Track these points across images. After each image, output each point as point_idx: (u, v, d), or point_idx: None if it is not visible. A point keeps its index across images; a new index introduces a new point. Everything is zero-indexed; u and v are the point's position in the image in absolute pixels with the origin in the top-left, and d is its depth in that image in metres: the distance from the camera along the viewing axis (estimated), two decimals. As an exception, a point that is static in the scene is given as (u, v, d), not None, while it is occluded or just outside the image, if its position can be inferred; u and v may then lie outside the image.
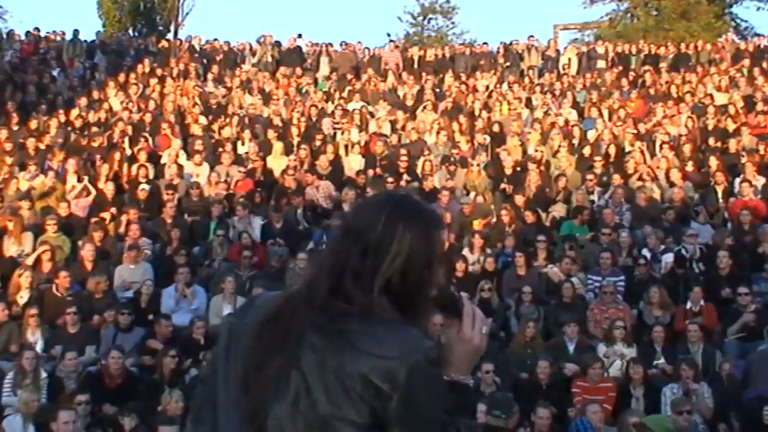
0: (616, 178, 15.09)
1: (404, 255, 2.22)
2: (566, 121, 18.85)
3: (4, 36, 23.96)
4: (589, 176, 15.33)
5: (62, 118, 18.00)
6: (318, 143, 17.39)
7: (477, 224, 13.51)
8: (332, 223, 13.60)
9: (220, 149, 16.75)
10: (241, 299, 11.43)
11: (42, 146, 16.25)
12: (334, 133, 18.36)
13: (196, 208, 14.41)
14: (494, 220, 14.17)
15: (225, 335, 2.40)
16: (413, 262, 2.23)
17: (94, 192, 14.40)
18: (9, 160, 15.09)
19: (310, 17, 69.64)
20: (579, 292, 11.95)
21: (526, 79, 23.18)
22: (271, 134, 17.58)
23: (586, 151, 16.72)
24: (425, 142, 17.72)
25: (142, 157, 15.71)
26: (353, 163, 16.74)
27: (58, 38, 25.64)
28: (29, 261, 11.98)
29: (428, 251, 2.26)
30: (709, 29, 33.11)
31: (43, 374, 9.64)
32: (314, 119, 19.22)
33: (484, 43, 26.89)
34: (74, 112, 18.44)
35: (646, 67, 23.85)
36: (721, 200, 14.61)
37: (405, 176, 15.80)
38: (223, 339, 2.40)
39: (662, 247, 12.94)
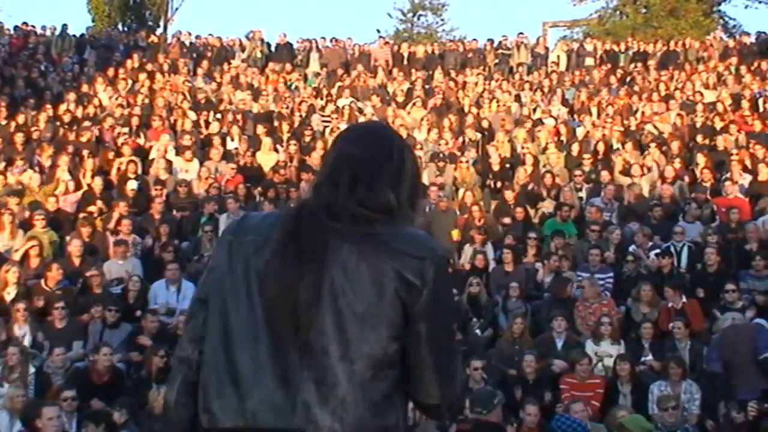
0: (605, 175, 15.10)
1: (412, 170, 2.53)
2: (555, 118, 18.85)
3: (-7, 30, 23.86)
4: (577, 173, 15.33)
5: (51, 113, 17.89)
6: (307, 139, 17.35)
7: (456, 234, 13.31)
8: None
9: (209, 145, 16.69)
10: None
11: (30, 141, 16.15)
12: (324, 129, 18.31)
13: (184, 203, 14.35)
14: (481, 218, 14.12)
15: (225, 253, 2.46)
16: (416, 177, 2.56)
17: (84, 185, 14.33)
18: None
19: (300, 13, 69.55)
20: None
21: (516, 76, 23.18)
22: (260, 130, 17.52)
23: (575, 148, 16.71)
24: (414, 138, 17.68)
25: (126, 151, 15.62)
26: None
27: (48, 33, 25.53)
28: (17, 256, 11.91)
29: (419, 168, 2.60)
30: (698, 27, 33.16)
31: (31, 369, 9.58)
32: (304, 115, 19.17)
33: (474, 40, 26.90)
34: (63, 106, 18.34)
35: (635, 65, 23.88)
36: (708, 197, 14.62)
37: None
38: (223, 256, 2.46)
39: (650, 243, 12.94)
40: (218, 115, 18.87)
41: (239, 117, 18.31)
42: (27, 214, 13.28)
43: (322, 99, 20.84)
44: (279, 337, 2.32)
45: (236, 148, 16.75)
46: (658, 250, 12.65)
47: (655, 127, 18.15)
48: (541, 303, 11.90)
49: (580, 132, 18.20)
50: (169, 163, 15.75)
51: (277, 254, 2.35)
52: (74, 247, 12.05)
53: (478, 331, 11.34)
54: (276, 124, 18.27)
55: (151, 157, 16.07)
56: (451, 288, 2.54)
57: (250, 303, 2.36)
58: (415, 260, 2.32)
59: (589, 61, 24.58)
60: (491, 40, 25.51)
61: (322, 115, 19.17)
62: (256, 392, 2.32)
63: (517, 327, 10.80)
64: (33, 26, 25.75)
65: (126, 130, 17.18)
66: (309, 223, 2.36)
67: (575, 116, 19.72)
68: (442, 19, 41.21)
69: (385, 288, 2.29)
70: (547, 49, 26.01)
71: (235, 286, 2.39)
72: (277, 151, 16.60)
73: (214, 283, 2.46)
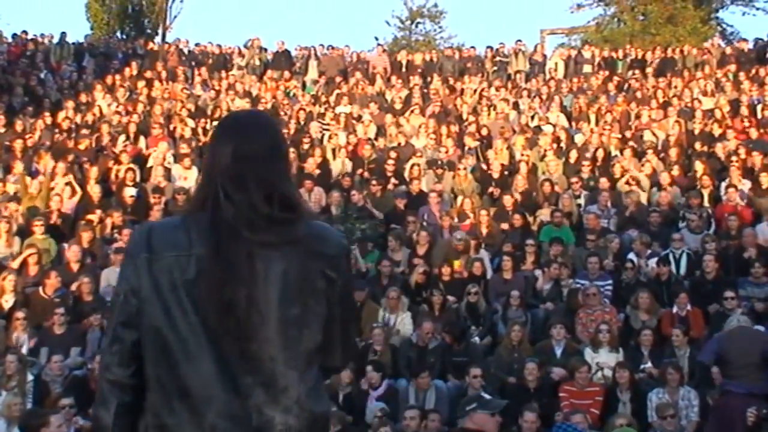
0: (603, 182, 15.10)
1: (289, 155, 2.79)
2: (553, 126, 18.86)
3: (-8, 38, 23.87)
4: (575, 180, 15.33)
5: (49, 120, 17.89)
6: (306, 146, 17.35)
7: (458, 264, 12.91)
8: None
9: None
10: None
11: (28, 148, 16.14)
12: (322, 137, 18.32)
13: (182, 212, 14.29)
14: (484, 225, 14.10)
15: (146, 273, 2.47)
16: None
17: (79, 192, 14.32)
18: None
19: (298, 21, 69.60)
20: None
21: (514, 83, 23.19)
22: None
23: (573, 155, 16.71)
24: (413, 145, 17.70)
25: (124, 158, 15.60)
26: (340, 167, 16.70)
27: (46, 41, 25.53)
28: (15, 264, 11.90)
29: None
30: (696, 34, 33.16)
31: (29, 377, 9.57)
32: (302, 122, 19.17)
33: (472, 47, 26.90)
34: (62, 114, 18.33)
35: (633, 72, 23.90)
36: (707, 204, 14.63)
37: (392, 179, 15.78)
38: (144, 277, 2.47)
39: (648, 251, 12.94)
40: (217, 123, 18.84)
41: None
42: (25, 221, 13.27)
43: (320, 106, 20.85)
44: (221, 350, 2.42)
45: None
46: (656, 258, 12.65)
47: (654, 134, 18.17)
48: (541, 311, 11.91)
49: (578, 139, 18.20)
50: (168, 170, 15.73)
51: (207, 273, 2.42)
52: (72, 253, 12.04)
53: (476, 339, 11.33)
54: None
55: (149, 165, 16.05)
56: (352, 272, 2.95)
57: (186, 320, 2.42)
58: (333, 258, 2.57)
59: (587, 68, 24.59)
60: (490, 47, 25.51)
61: (321, 123, 19.16)
62: (211, 406, 2.41)
63: (515, 335, 10.79)
64: (33, 34, 25.78)
65: (124, 137, 17.16)
66: (230, 240, 2.44)
67: (573, 123, 19.72)
68: (441, 27, 41.15)
69: (315, 288, 2.52)
70: (545, 56, 26.03)
71: (166, 306, 2.43)
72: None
73: (139, 305, 2.47)
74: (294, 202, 2.54)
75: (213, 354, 2.42)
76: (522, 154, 16.86)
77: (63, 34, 25.44)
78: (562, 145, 17.61)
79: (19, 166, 14.79)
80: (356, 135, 18.39)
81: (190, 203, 2.71)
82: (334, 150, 17.31)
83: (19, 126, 17.31)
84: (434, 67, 24.48)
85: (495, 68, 24.49)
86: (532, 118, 19.71)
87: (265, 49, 25.40)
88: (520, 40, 25.44)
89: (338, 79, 23.07)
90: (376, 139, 18.30)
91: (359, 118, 19.59)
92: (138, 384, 2.50)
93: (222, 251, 2.42)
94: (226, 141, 2.57)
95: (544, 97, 21.30)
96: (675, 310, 11.35)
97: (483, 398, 8.89)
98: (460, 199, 15.12)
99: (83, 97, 20.04)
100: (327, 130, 18.62)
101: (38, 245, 12.30)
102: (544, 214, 14.51)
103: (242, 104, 20.33)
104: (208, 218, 2.48)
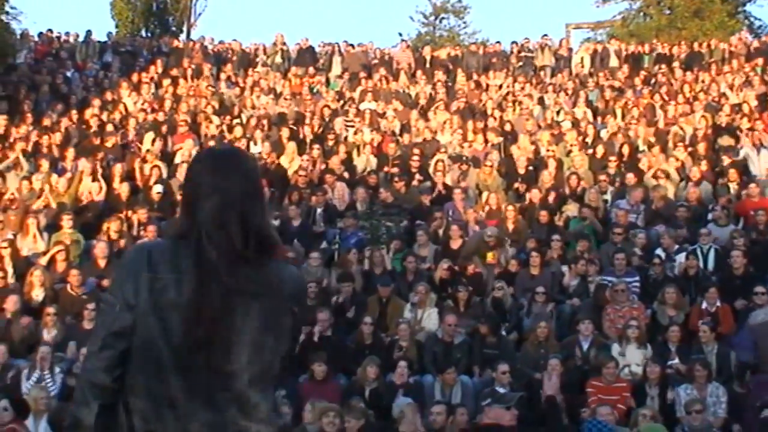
0: (630, 178, 15.06)
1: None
2: (579, 120, 18.81)
3: (18, 37, 24.01)
4: (602, 176, 15.30)
5: (75, 118, 18.04)
6: (330, 143, 17.42)
7: (491, 256, 13.00)
8: (345, 223, 13.63)
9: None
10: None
11: (55, 146, 16.29)
12: (347, 132, 18.37)
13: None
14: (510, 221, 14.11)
15: (146, 291, 2.67)
16: None
17: (105, 188, 14.46)
18: (23, 160, 15.15)
19: (322, 17, 69.72)
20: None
21: (539, 79, 23.12)
22: (284, 134, 17.59)
23: (599, 150, 16.68)
24: (438, 141, 17.71)
25: (150, 157, 15.73)
26: (365, 163, 16.74)
27: (72, 39, 25.71)
28: (43, 261, 12.04)
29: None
30: (723, 28, 32.94)
31: (57, 370, 9.69)
32: (327, 119, 19.23)
33: (497, 42, 26.82)
34: (88, 111, 18.47)
35: (659, 66, 23.77)
36: (734, 199, 14.56)
37: (417, 175, 15.81)
38: (144, 295, 2.67)
39: (676, 246, 12.90)
40: (242, 120, 18.98)
41: (263, 121, 18.39)
42: (53, 217, 13.41)
43: (344, 103, 20.89)
44: (204, 368, 2.67)
45: (260, 152, 16.83)
46: (684, 253, 12.61)
47: (681, 128, 18.08)
48: (568, 307, 11.90)
49: (604, 134, 18.15)
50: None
51: (193, 309, 2.64)
52: (99, 250, 12.17)
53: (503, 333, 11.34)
54: (299, 128, 18.33)
55: (175, 162, 16.17)
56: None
57: (178, 337, 2.65)
58: (297, 295, 2.90)
59: (613, 63, 24.47)
60: (515, 43, 25.45)
61: (346, 119, 19.22)
62: (194, 415, 2.67)
63: (541, 331, 10.80)
64: (59, 33, 25.99)
65: (150, 135, 17.29)
66: (214, 287, 2.66)
67: (599, 118, 19.65)
68: (465, 22, 41.13)
69: (285, 323, 2.80)
70: (570, 51, 25.90)
71: (163, 323, 2.66)
72: (300, 154, 16.66)
73: (135, 319, 2.68)
74: (270, 242, 2.77)
75: (197, 370, 2.67)
76: (547, 150, 16.85)
77: (88, 33, 25.58)
78: (588, 140, 17.55)
79: (45, 164, 14.93)
80: (380, 131, 18.43)
81: (174, 229, 2.89)
82: (358, 146, 17.35)
83: (46, 123, 17.45)
84: (459, 63, 24.45)
85: (520, 63, 24.41)
86: (558, 113, 19.65)
87: (288, 47, 25.43)
88: (546, 35, 25.35)
89: (362, 75, 23.08)
90: (400, 135, 18.32)
91: (383, 115, 19.62)
92: (117, 389, 2.71)
93: (205, 298, 2.65)
94: (206, 178, 2.76)
95: (569, 92, 21.24)
96: (704, 305, 11.31)
97: (497, 393, 8.97)
98: (485, 194, 15.11)
99: (109, 95, 20.18)
100: (351, 126, 18.67)
101: (66, 241, 12.42)
102: (570, 209, 14.49)
103: (267, 101, 20.45)
104: (193, 258, 2.68)
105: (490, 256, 12.78)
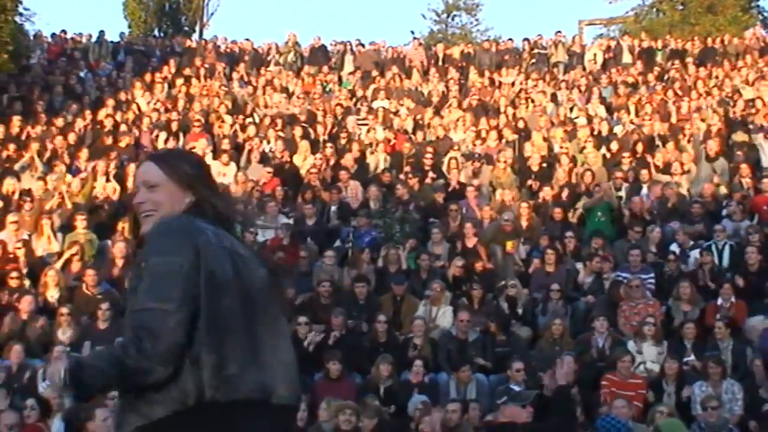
0: (644, 174, 15.01)
1: None
2: (592, 117, 18.75)
3: (32, 38, 24.10)
4: (617, 173, 15.25)
5: (89, 118, 18.09)
6: (343, 141, 17.42)
7: (510, 245, 13.10)
8: (358, 222, 13.62)
9: (247, 148, 16.81)
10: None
11: (69, 146, 16.33)
12: (359, 131, 18.36)
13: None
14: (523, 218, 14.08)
15: (229, 262, 2.91)
16: None
17: (118, 188, 14.49)
18: (37, 160, 15.20)
19: (334, 16, 69.74)
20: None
21: (552, 75, 23.06)
22: (296, 132, 17.60)
23: (613, 146, 16.63)
24: (450, 139, 17.68)
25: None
26: (378, 161, 16.73)
27: (84, 39, 25.79)
28: (58, 265, 12.06)
29: None
30: (736, 23, 32.76)
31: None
32: (339, 117, 19.23)
33: (509, 39, 26.74)
34: (102, 112, 18.51)
35: (673, 62, 23.66)
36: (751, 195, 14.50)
37: (430, 173, 15.79)
38: (227, 265, 2.90)
39: (691, 242, 12.85)
40: (255, 119, 19.00)
41: (276, 120, 18.40)
42: (67, 217, 13.45)
43: (357, 101, 20.89)
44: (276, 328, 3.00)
45: (272, 151, 16.85)
46: (699, 249, 12.56)
47: (694, 124, 18.00)
48: (583, 304, 11.86)
49: (618, 130, 18.09)
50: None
51: (265, 286, 3.01)
52: (117, 250, 12.21)
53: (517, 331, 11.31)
54: (312, 126, 18.33)
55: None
56: None
57: (263, 299, 2.98)
58: None
59: (626, 59, 24.38)
60: (527, 40, 25.39)
61: (358, 118, 19.21)
62: (275, 356, 2.95)
63: (556, 328, 10.78)
64: (72, 34, 26.08)
65: (164, 134, 17.33)
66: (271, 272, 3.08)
67: (613, 114, 19.59)
68: (477, 20, 41.07)
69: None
70: (583, 47, 25.81)
71: (250, 293, 2.94)
72: (313, 153, 16.66)
73: (210, 279, 2.84)
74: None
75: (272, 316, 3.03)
76: (561, 147, 16.81)
77: (101, 33, 25.63)
78: (602, 136, 17.49)
79: (60, 164, 14.97)
80: (393, 129, 18.41)
81: (189, 206, 3.05)
82: (371, 145, 17.34)
83: (60, 123, 17.50)
84: (471, 60, 24.40)
85: (533, 60, 24.35)
86: (571, 109, 19.59)
87: (301, 46, 25.45)
88: (559, 32, 25.33)
89: (374, 73, 23.07)
90: (413, 133, 18.30)
91: (396, 113, 19.61)
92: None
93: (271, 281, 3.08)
94: (207, 179, 3.13)
95: (582, 88, 21.17)
96: (719, 302, 11.27)
97: (513, 391, 8.92)
98: (498, 192, 15.09)
99: (122, 95, 20.23)
100: (364, 125, 18.66)
101: (81, 241, 12.46)
102: (584, 204, 14.44)
103: (279, 100, 20.46)
104: (217, 243, 2.92)
105: (509, 245, 12.79)
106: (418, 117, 19.16)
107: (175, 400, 2.76)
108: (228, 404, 2.79)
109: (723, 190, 14.92)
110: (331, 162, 16.31)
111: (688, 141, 16.84)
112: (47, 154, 15.79)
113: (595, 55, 24.72)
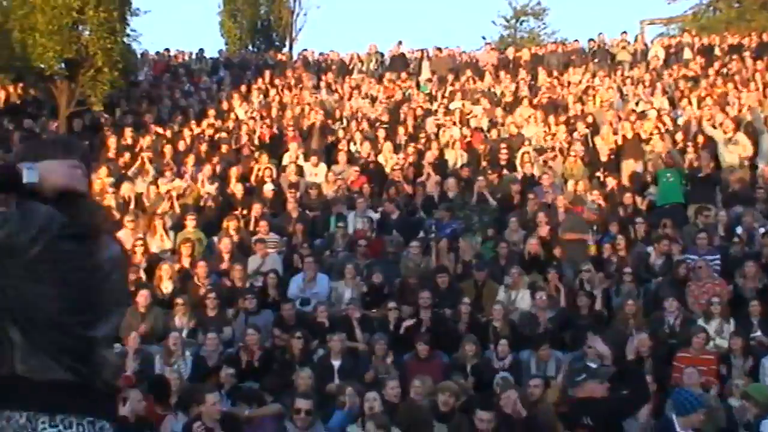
0: (706, 159, 14.64)
1: None
2: (657, 110, 18.38)
3: (139, 56, 24.61)
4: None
5: (194, 128, 18.39)
6: (423, 140, 17.40)
7: (593, 249, 12.76)
8: (440, 214, 13.59)
9: (336, 150, 16.92)
10: (359, 284, 11.54)
11: (177, 153, 16.61)
12: (438, 131, 18.31)
13: (315, 204, 14.57)
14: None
15: (72, 241, 2.49)
16: None
17: (221, 188, 14.71)
18: (149, 166, 15.50)
19: (411, 24, 69.69)
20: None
21: (618, 73, 22.68)
22: (380, 134, 17.65)
23: (678, 137, 16.29)
24: (523, 135, 17.52)
25: (264, 159, 15.96)
26: (456, 158, 16.65)
27: (186, 57, 26.27)
28: (173, 258, 12.28)
29: None
30: (790, 18, 31.82)
31: (187, 354, 9.89)
32: (419, 119, 19.20)
33: (575, 41, 26.41)
34: (204, 122, 18.82)
35: (731, 57, 23.05)
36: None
37: (505, 168, 15.69)
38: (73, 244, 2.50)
39: (756, 225, 12.52)
40: (342, 123, 19.11)
41: (362, 124, 18.47)
42: (178, 218, 13.69)
43: (435, 103, 20.84)
44: None
45: (359, 152, 16.93)
46: (763, 230, 12.23)
47: (755, 114, 17.48)
48: (654, 285, 11.63)
49: (681, 122, 17.72)
50: (300, 167, 16.02)
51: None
52: (224, 245, 12.40)
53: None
54: (394, 128, 18.34)
55: (283, 164, 16.37)
56: None
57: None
58: None
59: (686, 55, 23.86)
60: (592, 40, 25.07)
61: (436, 119, 19.17)
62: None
63: (629, 308, 10.59)
64: (174, 51, 26.57)
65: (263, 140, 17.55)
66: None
67: (676, 107, 19.19)
68: (544, 23, 40.70)
69: None
70: (645, 45, 25.39)
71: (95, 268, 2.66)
72: (396, 153, 16.70)
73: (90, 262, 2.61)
74: None
75: None
76: (628, 139, 16.49)
77: (201, 50, 26.15)
78: (666, 128, 17.14)
79: (169, 170, 15.23)
80: (469, 128, 18.31)
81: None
82: (449, 143, 17.28)
83: (168, 134, 17.83)
84: (540, 61, 24.15)
85: (598, 59, 23.99)
86: (637, 104, 19.25)
87: (382, 54, 25.51)
88: (625, 32, 24.98)
89: (450, 77, 22.99)
90: (488, 131, 18.18)
91: (471, 112, 19.50)
92: None
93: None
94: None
95: (646, 83, 20.78)
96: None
97: (591, 368, 8.78)
98: (570, 183, 14.89)
99: (222, 106, 20.54)
100: (442, 125, 18.60)
101: (191, 239, 12.67)
102: (652, 194, 14.18)
103: (364, 104, 20.54)
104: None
105: (592, 249, 12.52)
106: (491, 117, 19.02)
107: None
108: None
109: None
110: (413, 160, 16.30)
111: (749, 130, 16.36)
112: (157, 161, 16.08)
113: (657, 52, 24.25)
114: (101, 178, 14.47)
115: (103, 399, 2.59)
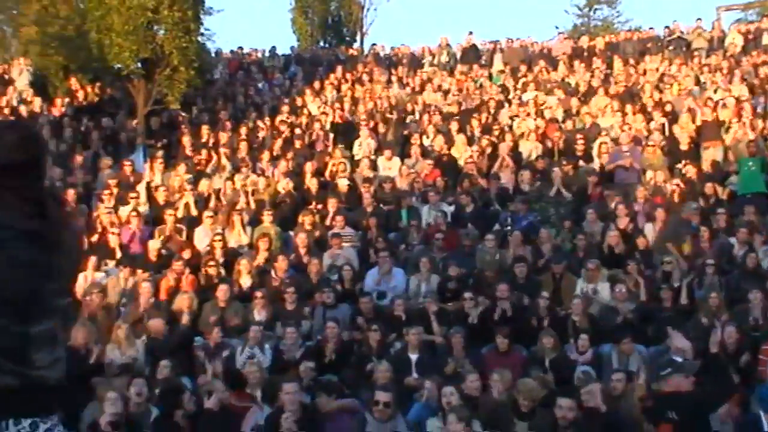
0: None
1: None
2: (736, 98, 17.88)
3: (214, 55, 24.92)
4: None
5: (268, 124, 18.54)
6: (497, 132, 17.23)
7: (687, 248, 12.07)
8: (515, 206, 13.46)
9: (408, 143, 16.88)
10: (435, 278, 11.48)
11: (252, 149, 16.77)
12: (512, 122, 18.12)
13: (389, 198, 14.55)
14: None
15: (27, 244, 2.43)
16: None
17: (296, 184, 14.78)
18: (226, 163, 15.68)
19: (482, 16, 69.19)
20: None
21: (695, 60, 22.15)
22: (453, 127, 17.53)
23: (758, 125, 15.82)
24: (599, 125, 17.22)
25: (338, 154, 16.01)
26: (531, 149, 16.45)
27: (259, 54, 26.53)
28: (251, 256, 12.39)
29: None
30: None
31: (266, 346, 9.97)
32: (492, 111, 19.04)
33: (650, 28, 25.91)
34: (279, 117, 18.96)
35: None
36: None
37: (581, 159, 15.45)
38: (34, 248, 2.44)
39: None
40: (415, 116, 19.05)
41: (435, 117, 18.39)
42: (254, 213, 13.80)
43: (508, 94, 20.64)
44: None
45: (431, 145, 16.85)
46: None
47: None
48: (735, 276, 11.33)
49: (761, 110, 17.20)
50: (373, 162, 16.02)
51: None
52: (300, 239, 12.48)
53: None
54: (467, 120, 18.21)
55: (357, 157, 16.40)
56: None
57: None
58: None
59: (765, 41, 23.15)
60: (667, 27, 24.51)
61: (510, 110, 18.97)
62: None
63: (713, 300, 10.32)
64: (248, 49, 26.85)
65: (337, 135, 17.62)
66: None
67: (756, 94, 18.64)
68: (617, 11, 40.14)
69: None
70: (723, 32, 24.72)
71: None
72: (469, 145, 16.57)
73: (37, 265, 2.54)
74: None
75: None
76: (708, 127, 16.08)
77: (273, 48, 26.41)
78: (746, 116, 16.65)
79: (245, 166, 15.38)
80: (544, 119, 18.09)
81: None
82: (523, 134, 17.08)
83: (243, 130, 18.01)
84: (615, 50, 23.73)
85: (674, 47, 23.45)
86: (715, 91, 18.76)
87: (453, 47, 25.36)
88: (699, 19, 24.37)
89: (523, 68, 22.74)
90: (563, 122, 17.92)
91: (545, 103, 19.25)
92: None
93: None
94: None
95: (724, 71, 20.24)
96: None
97: (676, 362, 8.57)
98: (650, 173, 14.57)
99: (296, 101, 20.67)
100: (516, 116, 18.40)
101: (269, 234, 12.77)
102: (733, 182, 13.82)
103: (436, 98, 20.44)
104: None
105: (686, 248, 12.05)
106: (566, 107, 18.75)
107: None
108: None
109: None
110: (487, 152, 16.16)
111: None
112: (233, 157, 16.25)
113: (734, 38, 23.60)
114: (180, 175, 14.73)
115: (47, 397, 2.50)
